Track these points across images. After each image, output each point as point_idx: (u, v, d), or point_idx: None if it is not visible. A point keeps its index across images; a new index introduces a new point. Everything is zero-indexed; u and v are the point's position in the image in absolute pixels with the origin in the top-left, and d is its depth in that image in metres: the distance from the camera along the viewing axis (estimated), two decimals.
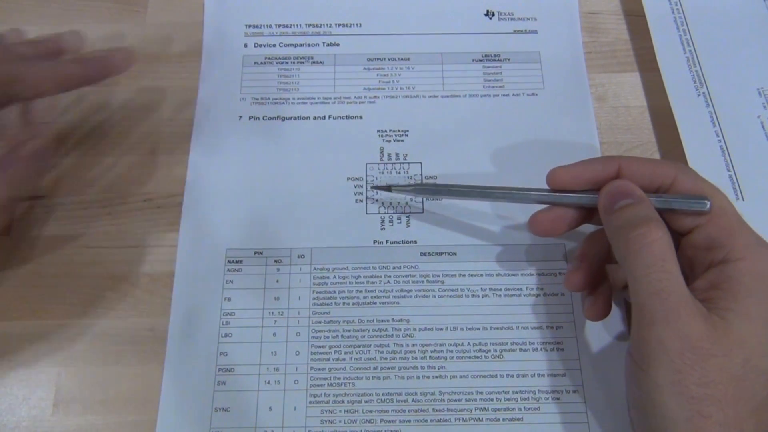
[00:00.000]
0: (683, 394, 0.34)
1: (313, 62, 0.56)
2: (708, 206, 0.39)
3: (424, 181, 0.49)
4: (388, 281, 0.48)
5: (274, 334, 0.47)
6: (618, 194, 0.40)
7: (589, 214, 0.44)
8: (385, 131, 0.53)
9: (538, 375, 0.46)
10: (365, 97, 0.54)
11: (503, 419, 0.45)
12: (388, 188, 0.47)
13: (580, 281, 0.43)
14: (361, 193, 0.51)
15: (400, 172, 0.51)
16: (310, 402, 0.45)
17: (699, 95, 0.52)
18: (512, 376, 0.46)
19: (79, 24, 0.56)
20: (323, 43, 0.57)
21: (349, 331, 0.47)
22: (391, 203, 0.50)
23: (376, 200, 0.50)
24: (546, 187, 0.43)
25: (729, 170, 0.49)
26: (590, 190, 0.42)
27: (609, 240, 0.40)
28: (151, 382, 0.45)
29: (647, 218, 0.38)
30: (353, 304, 0.48)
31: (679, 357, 0.34)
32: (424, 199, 0.50)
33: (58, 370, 0.46)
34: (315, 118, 0.53)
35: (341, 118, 0.53)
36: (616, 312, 0.47)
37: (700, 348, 0.34)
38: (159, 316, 0.47)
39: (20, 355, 0.46)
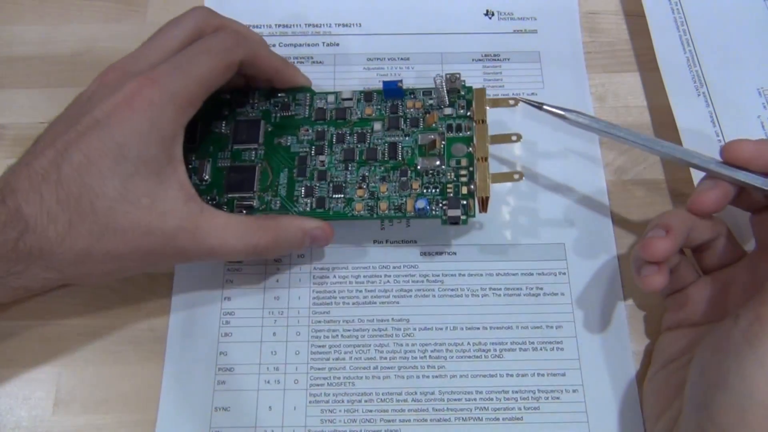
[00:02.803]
0: None
1: (313, 62, 0.56)
2: None
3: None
4: (388, 281, 0.48)
5: (274, 334, 0.47)
6: None
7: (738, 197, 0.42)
8: None
9: (538, 375, 0.46)
10: None
11: (503, 419, 0.45)
12: (539, 105, 0.46)
13: (666, 248, 0.40)
14: None
15: None
16: (310, 401, 0.45)
17: (699, 95, 0.52)
18: (512, 375, 0.46)
19: (79, 24, 0.57)
20: (323, 43, 0.57)
21: (349, 330, 0.47)
22: None
23: None
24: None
25: None
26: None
27: None
28: (151, 381, 0.45)
29: None
30: (353, 303, 0.48)
31: None
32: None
33: (58, 370, 0.46)
34: None
35: None
36: (615, 314, 0.47)
37: None
38: (159, 316, 0.47)
39: (20, 355, 0.46)
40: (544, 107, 0.45)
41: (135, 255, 0.41)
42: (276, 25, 0.58)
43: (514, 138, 0.47)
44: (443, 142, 0.47)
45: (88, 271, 0.42)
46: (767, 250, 0.42)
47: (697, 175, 0.46)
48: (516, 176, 0.46)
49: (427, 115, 0.48)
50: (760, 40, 0.54)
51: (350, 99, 0.49)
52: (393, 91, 0.48)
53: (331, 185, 0.47)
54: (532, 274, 0.48)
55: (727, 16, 0.55)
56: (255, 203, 0.47)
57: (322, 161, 0.47)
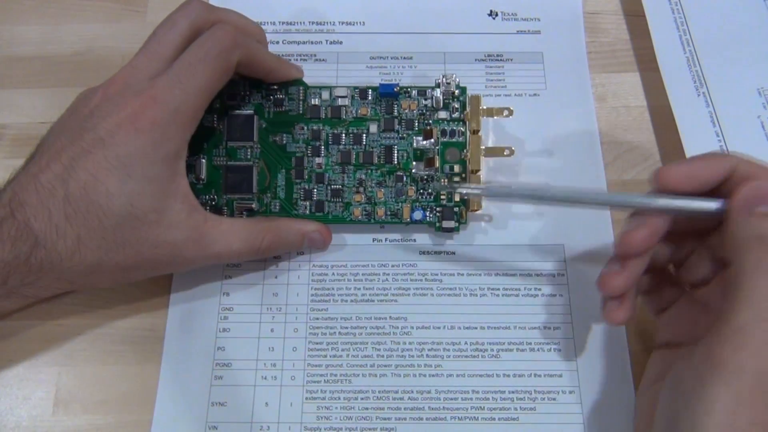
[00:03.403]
0: (732, 425, 0.32)
1: (316, 60, 0.56)
2: None
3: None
4: (387, 279, 0.48)
5: (272, 330, 0.47)
6: (763, 195, 0.36)
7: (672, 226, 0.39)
8: None
9: (535, 375, 0.46)
10: None
11: (499, 419, 0.45)
12: (453, 188, 0.46)
13: (621, 284, 0.39)
14: None
15: None
16: (306, 398, 0.45)
17: (699, 95, 0.51)
18: (509, 375, 0.46)
19: (79, 24, 0.57)
20: (326, 41, 0.57)
21: (347, 328, 0.47)
22: None
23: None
24: (631, 193, 0.40)
25: None
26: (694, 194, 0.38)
27: (732, 243, 0.36)
28: (150, 381, 0.46)
29: None
30: (351, 301, 0.48)
31: (749, 391, 0.32)
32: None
33: (58, 370, 0.46)
34: None
35: None
36: None
37: None
38: (158, 316, 0.47)
39: (20, 355, 0.46)
40: (458, 190, 0.45)
41: (144, 266, 0.43)
42: (280, 22, 0.58)
43: (506, 152, 0.48)
44: (438, 147, 0.48)
45: (97, 281, 0.43)
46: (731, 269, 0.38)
47: None
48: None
49: (428, 127, 0.48)
50: (760, 40, 0.53)
51: (345, 97, 0.49)
52: (389, 93, 0.49)
53: (329, 189, 0.48)
54: (530, 275, 0.48)
55: (727, 16, 0.55)
56: (255, 206, 0.47)
57: (319, 164, 0.48)
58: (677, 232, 0.40)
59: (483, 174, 0.49)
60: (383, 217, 0.48)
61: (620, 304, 0.40)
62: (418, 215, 0.47)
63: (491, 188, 0.44)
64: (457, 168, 0.48)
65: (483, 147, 0.48)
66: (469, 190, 0.44)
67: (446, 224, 0.47)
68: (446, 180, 0.48)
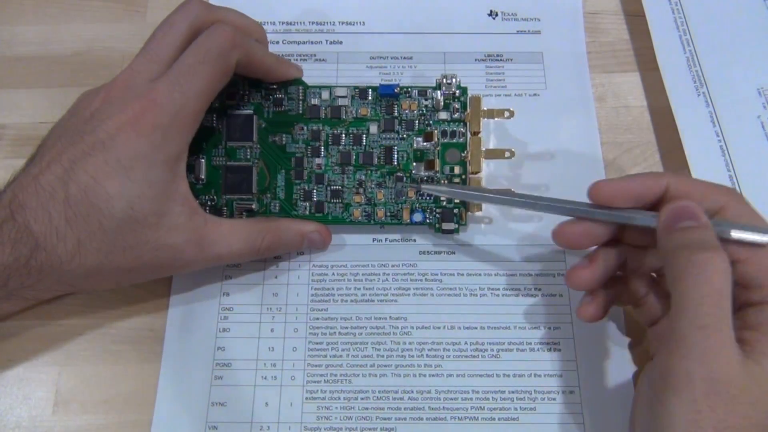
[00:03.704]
0: None
1: (316, 60, 0.56)
2: None
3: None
4: (387, 279, 0.48)
5: (272, 330, 0.47)
6: (683, 213, 0.37)
7: (619, 231, 0.42)
8: None
9: (535, 375, 0.46)
10: None
11: (499, 419, 0.45)
12: (418, 187, 0.47)
13: (585, 278, 0.41)
14: None
15: None
16: (306, 398, 0.45)
17: (699, 95, 0.51)
18: (509, 375, 0.46)
19: (79, 24, 0.57)
20: (326, 41, 0.57)
21: (347, 328, 0.47)
22: None
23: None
24: (582, 200, 0.42)
25: (729, 170, 0.49)
26: (633, 207, 0.40)
27: (663, 259, 0.37)
28: (151, 381, 0.46)
29: (713, 246, 0.35)
30: (351, 301, 0.48)
31: (704, 397, 0.33)
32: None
33: (58, 370, 0.46)
34: None
35: None
36: (613, 316, 0.47)
37: (727, 392, 0.33)
38: (159, 317, 0.47)
39: (20, 355, 0.46)
40: (423, 187, 0.47)
41: (144, 268, 0.43)
42: (280, 22, 0.58)
43: (507, 155, 0.48)
44: (438, 149, 0.48)
45: (98, 283, 0.43)
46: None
47: (693, 164, 0.48)
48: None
49: (428, 129, 0.48)
50: (760, 40, 0.54)
51: (345, 96, 0.49)
52: (389, 93, 0.49)
53: (329, 189, 0.48)
54: (530, 275, 0.48)
55: (727, 16, 0.55)
56: (254, 206, 0.47)
57: (319, 164, 0.48)
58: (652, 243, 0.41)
59: (483, 175, 0.49)
60: (383, 218, 0.48)
61: (591, 301, 0.42)
62: (418, 217, 0.47)
63: (454, 189, 0.46)
64: (457, 169, 0.48)
65: (483, 149, 0.47)
66: (434, 190, 0.46)
67: (446, 226, 0.47)
68: (408, 180, 0.48)
